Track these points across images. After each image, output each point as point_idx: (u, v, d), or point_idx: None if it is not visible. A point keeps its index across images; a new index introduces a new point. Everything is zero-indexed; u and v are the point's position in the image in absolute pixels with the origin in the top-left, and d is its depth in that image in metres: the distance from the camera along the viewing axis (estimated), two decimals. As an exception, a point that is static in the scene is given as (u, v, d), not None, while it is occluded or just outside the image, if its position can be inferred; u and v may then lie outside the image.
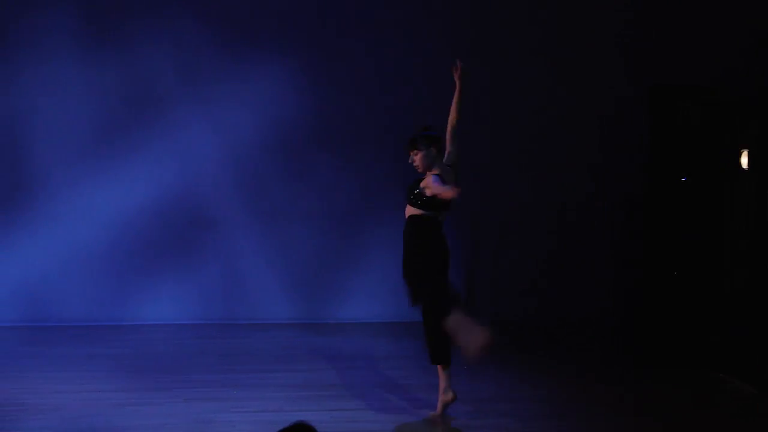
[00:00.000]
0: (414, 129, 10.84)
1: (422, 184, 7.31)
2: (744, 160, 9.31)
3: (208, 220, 10.79)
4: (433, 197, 7.24)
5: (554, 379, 8.55)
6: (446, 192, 7.10)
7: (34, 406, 7.40)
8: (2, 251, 10.46)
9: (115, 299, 10.64)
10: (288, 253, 10.93)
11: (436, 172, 7.31)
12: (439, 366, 7.35)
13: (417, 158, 7.39)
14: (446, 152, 7.47)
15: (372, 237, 10.90)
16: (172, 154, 10.70)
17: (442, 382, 7.34)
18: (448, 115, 7.56)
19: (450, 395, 7.33)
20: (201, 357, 9.22)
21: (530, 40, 11.06)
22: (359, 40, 10.88)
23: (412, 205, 7.37)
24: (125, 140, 10.58)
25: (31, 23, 10.43)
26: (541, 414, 7.60)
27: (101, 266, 10.62)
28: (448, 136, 7.51)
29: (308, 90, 10.81)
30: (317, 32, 10.84)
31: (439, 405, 7.38)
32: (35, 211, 10.50)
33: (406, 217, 7.42)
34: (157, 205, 10.63)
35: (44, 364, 8.76)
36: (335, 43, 10.86)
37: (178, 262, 10.74)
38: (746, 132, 9.39)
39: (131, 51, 10.58)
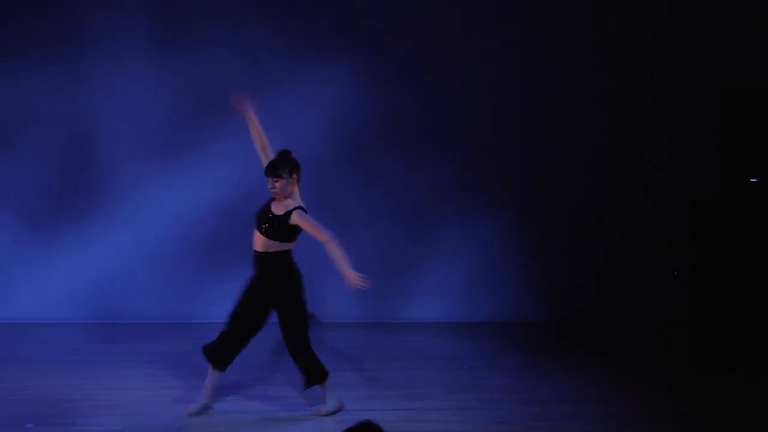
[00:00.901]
0: (477, 130, 10.97)
1: (293, 220, 7.10)
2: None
3: (275, 220, 10.88)
4: (293, 228, 7.13)
5: (620, 381, 8.48)
6: (323, 235, 7.09)
7: (104, 402, 7.50)
8: (74, 249, 10.62)
9: (184, 297, 10.76)
10: (353, 252, 10.91)
11: (298, 204, 7.16)
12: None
13: (278, 185, 7.10)
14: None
15: (437, 237, 10.91)
16: (239, 152, 10.76)
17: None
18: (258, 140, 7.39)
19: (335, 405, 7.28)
20: (268, 355, 9.26)
21: (598, 40, 10.99)
22: (428, 41, 10.87)
23: (267, 236, 7.15)
24: (194, 139, 10.70)
25: (104, 22, 10.57)
26: (608, 416, 7.53)
27: (170, 264, 10.74)
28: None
29: (374, 91, 10.83)
30: (384, 33, 10.86)
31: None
32: (106, 209, 10.65)
33: (259, 249, 7.21)
34: (224, 203, 10.73)
35: (114, 361, 8.88)
36: (403, 44, 10.87)
37: (245, 260, 10.81)
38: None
39: (200, 51, 10.69)
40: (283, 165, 7.16)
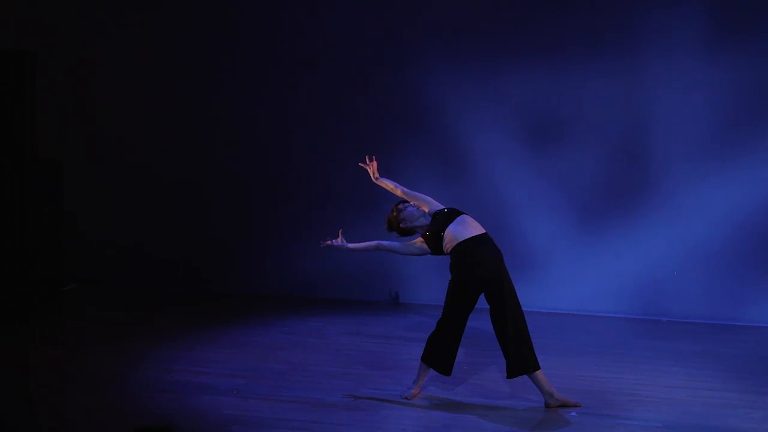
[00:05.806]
0: None
1: None
2: None
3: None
4: None
5: None
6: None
7: (645, 398, 7.63)
8: (621, 242, 10.85)
9: (730, 298, 10.63)
10: None
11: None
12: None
13: None
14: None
15: None
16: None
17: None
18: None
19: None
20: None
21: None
22: None
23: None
24: (744, 142, 10.51)
25: (659, 20, 10.67)
26: None
27: (716, 264, 10.66)
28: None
29: None
30: None
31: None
32: (654, 206, 10.78)
33: (481, 231, 7.33)
34: (769, 206, 10.50)
35: (658, 358, 8.98)
36: None
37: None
38: None
39: (755, 52, 10.45)
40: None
